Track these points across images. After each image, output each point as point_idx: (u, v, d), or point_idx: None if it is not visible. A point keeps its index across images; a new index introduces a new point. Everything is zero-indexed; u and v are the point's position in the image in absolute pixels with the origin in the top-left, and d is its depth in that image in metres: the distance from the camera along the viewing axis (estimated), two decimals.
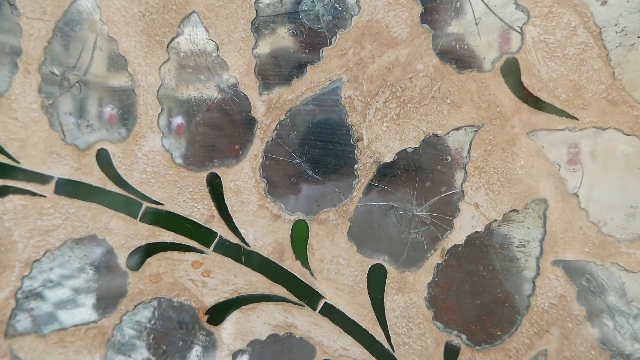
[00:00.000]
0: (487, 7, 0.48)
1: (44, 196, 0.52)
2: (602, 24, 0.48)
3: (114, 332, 0.54)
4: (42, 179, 0.52)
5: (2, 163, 0.52)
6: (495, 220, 0.51)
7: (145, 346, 0.54)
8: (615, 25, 0.48)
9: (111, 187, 0.52)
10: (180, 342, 0.54)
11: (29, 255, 0.53)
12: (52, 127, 0.51)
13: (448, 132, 0.50)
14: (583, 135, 0.49)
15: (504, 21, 0.48)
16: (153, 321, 0.53)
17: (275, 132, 0.51)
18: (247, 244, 0.53)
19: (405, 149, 0.51)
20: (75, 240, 0.53)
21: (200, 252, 0.53)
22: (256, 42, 0.50)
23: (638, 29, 0.47)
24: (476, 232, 0.52)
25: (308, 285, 0.53)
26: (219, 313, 0.54)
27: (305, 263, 0.53)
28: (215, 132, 0.51)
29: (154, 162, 0.52)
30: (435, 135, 0.51)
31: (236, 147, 0.51)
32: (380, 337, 0.54)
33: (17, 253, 0.53)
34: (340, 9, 0.49)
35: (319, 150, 0.51)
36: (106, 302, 0.54)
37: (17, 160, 0.52)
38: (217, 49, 0.50)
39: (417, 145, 0.51)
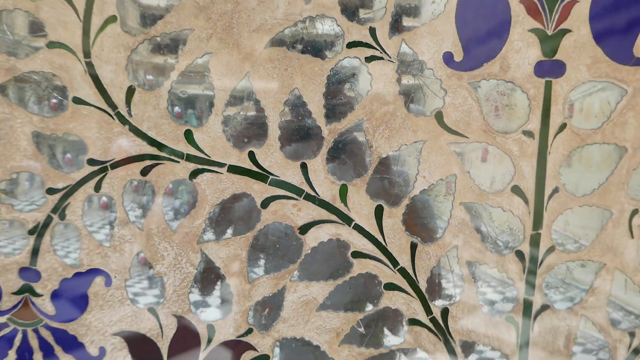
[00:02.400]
0: (429, 88, 1.07)
1: (221, 173, 1.09)
2: (479, 95, 1.07)
3: (253, 240, 1.11)
4: (220, 165, 1.09)
5: (201, 157, 1.08)
6: (433, 183, 1.11)
7: (269, 246, 1.11)
8: (485, 95, 1.08)
9: (255, 169, 1.09)
10: (286, 243, 1.11)
11: (215, 201, 1.10)
12: (227, 140, 1.08)
13: (411, 144, 1.09)
14: (472, 146, 1.09)
15: (437, 95, 1.07)
16: (272, 234, 1.11)
17: (333, 143, 1.09)
18: (318, 195, 1.11)
19: (392, 151, 1.10)
20: (236, 195, 1.10)
21: (296, 199, 1.10)
22: (325, 103, 1.07)
23: (499, 96, 1.07)
24: (424, 189, 1.11)
25: (346, 215, 1.10)
26: (304, 229, 1.10)
27: (345, 205, 1.11)
28: (306, 146, 1.09)
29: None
30: (405, 145, 1.09)
31: (315, 151, 1.09)
32: (380, 240, 1.12)
33: (207, 200, 1.08)
34: (360, 88, 1.07)
35: (353, 152, 1.09)
36: (249, 225, 1.10)
37: (209, 155, 1.08)
38: (306, 104, 1.07)
39: (397, 150, 1.10)
